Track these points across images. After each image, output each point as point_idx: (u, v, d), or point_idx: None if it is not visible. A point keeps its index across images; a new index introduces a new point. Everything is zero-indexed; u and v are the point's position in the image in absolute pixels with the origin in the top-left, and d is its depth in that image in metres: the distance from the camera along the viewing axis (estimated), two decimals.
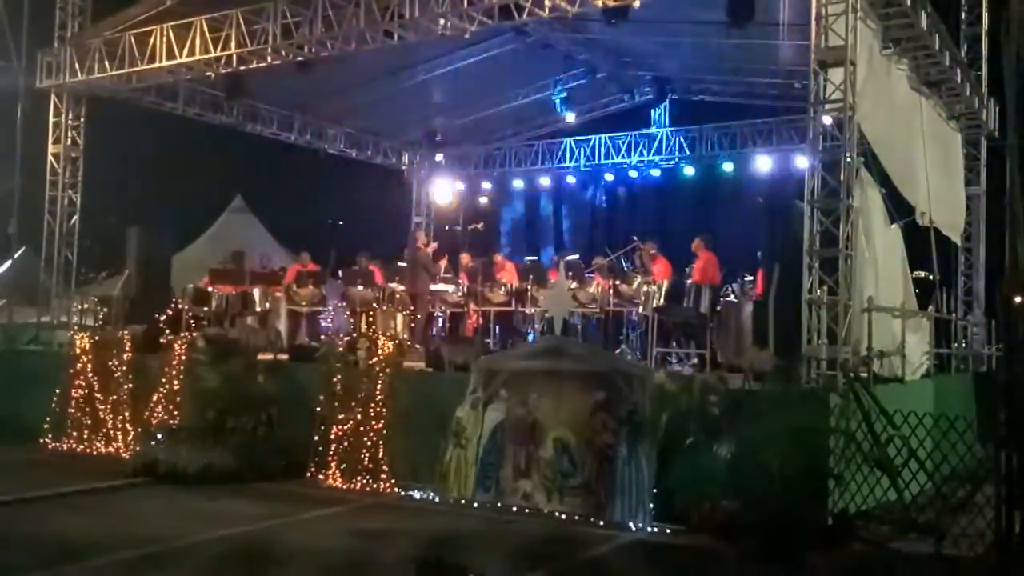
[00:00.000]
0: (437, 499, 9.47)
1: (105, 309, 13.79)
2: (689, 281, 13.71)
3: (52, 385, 12.52)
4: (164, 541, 7.57)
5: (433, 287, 14.91)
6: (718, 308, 13.56)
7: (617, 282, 13.40)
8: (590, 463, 8.81)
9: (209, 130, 17.07)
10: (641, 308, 13.23)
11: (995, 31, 13.31)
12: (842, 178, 9.31)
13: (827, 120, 9.57)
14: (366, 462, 10.00)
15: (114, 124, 16.50)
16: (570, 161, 19.36)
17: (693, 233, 13.99)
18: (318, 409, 10.44)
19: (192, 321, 12.46)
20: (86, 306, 14.45)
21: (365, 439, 10.05)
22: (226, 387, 10.92)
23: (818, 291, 9.30)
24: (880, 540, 7.76)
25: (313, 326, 15.16)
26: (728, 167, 17.73)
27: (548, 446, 9.07)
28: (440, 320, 15.72)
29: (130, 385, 12.01)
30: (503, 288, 14.15)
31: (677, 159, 18.26)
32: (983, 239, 14.39)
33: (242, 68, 13.51)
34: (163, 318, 12.10)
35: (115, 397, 12.08)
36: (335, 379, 10.45)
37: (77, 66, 14.61)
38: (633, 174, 18.94)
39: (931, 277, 12.63)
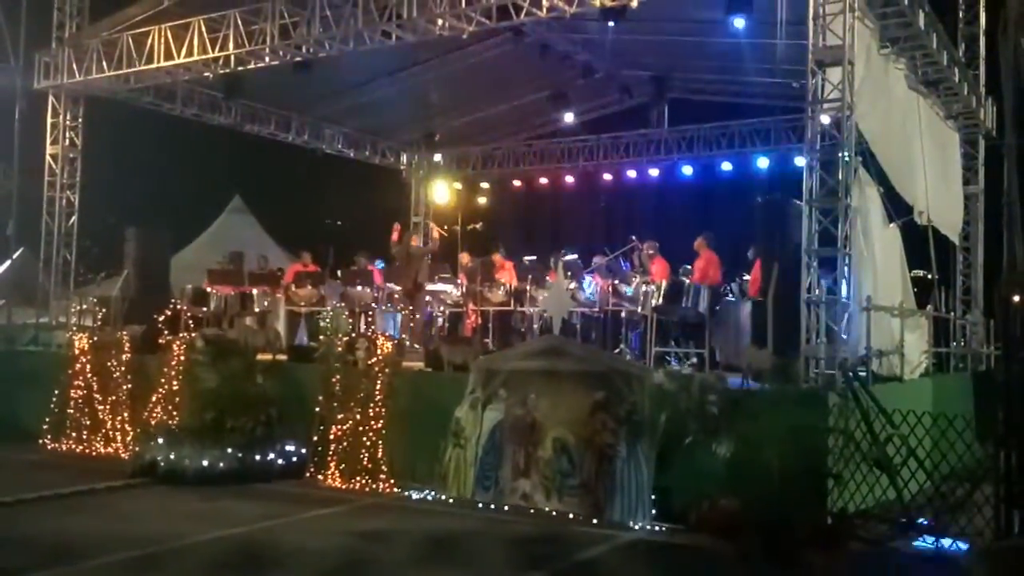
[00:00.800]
0: (436, 499, 9.47)
1: (104, 310, 13.73)
2: (687, 281, 13.70)
3: (51, 386, 12.51)
4: (163, 542, 7.57)
5: (431, 287, 14.90)
6: (717, 308, 13.54)
7: (616, 282, 13.40)
8: (589, 463, 8.80)
9: (207, 130, 17.07)
10: (640, 308, 13.22)
11: (992, 30, 13.29)
12: (840, 177, 9.31)
13: (825, 119, 9.56)
14: (365, 462, 10.00)
15: (112, 125, 16.46)
16: (568, 161, 19.37)
17: (692, 233, 13.96)
18: (317, 409, 10.45)
19: (191, 321, 12.45)
20: (85, 307, 14.39)
21: (364, 439, 10.05)
22: (225, 387, 10.89)
23: (816, 290, 9.31)
24: (879, 539, 7.75)
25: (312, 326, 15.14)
26: (726, 167, 17.75)
27: (547, 446, 9.06)
28: (439, 320, 15.72)
29: (129, 386, 12.00)
30: (502, 288, 14.14)
31: (675, 159, 18.27)
32: (981, 238, 14.43)
33: (240, 68, 13.52)
34: (162, 318, 12.08)
35: (114, 398, 12.07)
36: (334, 379, 10.45)
37: (75, 67, 14.61)
38: (632, 174, 18.96)
39: (929, 276, 12.65)
